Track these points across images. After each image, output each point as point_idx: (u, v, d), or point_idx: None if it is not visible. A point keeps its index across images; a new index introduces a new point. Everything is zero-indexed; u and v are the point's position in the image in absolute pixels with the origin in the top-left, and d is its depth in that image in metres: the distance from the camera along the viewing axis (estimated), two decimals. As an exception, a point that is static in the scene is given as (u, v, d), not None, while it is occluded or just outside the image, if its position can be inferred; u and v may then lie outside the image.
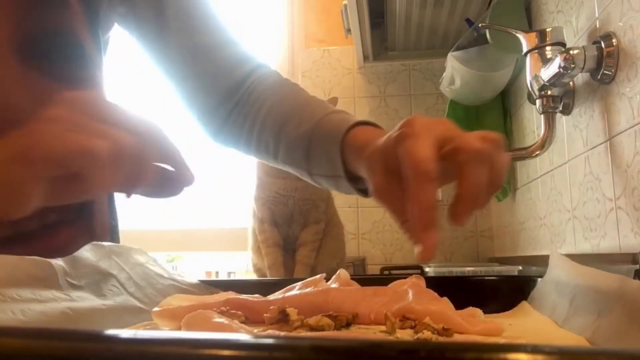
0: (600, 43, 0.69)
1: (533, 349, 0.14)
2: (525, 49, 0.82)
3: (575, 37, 0.81)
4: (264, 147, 0.63)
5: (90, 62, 0.50)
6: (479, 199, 0.38)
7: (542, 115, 0.83)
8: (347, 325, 0.38)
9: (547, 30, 0.80)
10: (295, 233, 1.09)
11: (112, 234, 0.60)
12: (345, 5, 1.31)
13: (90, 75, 0.50)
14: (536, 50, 0.80)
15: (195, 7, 0.63)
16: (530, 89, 0.83)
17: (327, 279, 0.53)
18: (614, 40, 0.67)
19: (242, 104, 0.65)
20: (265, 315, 0.36)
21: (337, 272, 0.53)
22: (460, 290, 0.55)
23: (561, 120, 0.87)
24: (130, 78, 1.89)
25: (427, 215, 0.36)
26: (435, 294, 0.47)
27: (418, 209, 0.37)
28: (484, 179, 0.38)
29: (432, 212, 0.37)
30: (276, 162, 0.63)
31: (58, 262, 0.45)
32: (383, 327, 0.39)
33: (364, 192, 0.55)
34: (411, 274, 0.54)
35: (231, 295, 0.51)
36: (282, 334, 0.30)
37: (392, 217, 0.42)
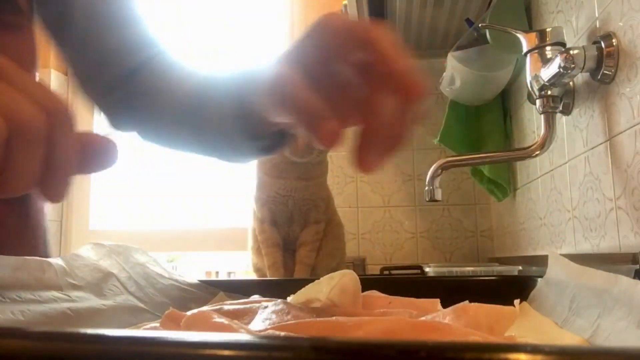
0: (600, 43, 0.69)
1: (533, 349, 0.14)
2: (525, 49, 0.82)
3: (575, 37, 0.81)
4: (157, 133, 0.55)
5: (19, 10, 0.47)
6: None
7: (542, 115, 0.83)
8: None
9: (547, 30, 0.80)
10: (295, 233, 1.09)
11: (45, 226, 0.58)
12: (345, 5, 1.31)
13: (17, 24, 0.47)
14: (536, 50, 0.80)
15: None
16: (530, 89, 0.83)
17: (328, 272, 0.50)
18: (614, 40, 0.67)
19: (133, 95, 0.56)
20: None
21: (341, 283, 0.44)
22: (460, 290, 0.55)
23: (561, 120, 0.87)
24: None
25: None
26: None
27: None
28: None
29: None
30: (172, 147, 0.55)
31: (58, 262, 0.45)
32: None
33: (267, 150, 0.47)
34: (411, 274, 0.54)
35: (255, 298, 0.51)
36: (282, 334, 0.30)
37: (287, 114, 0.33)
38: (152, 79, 0.55)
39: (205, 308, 0.44)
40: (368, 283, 0.51)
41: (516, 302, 0.37)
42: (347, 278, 0.44)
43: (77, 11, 0.55)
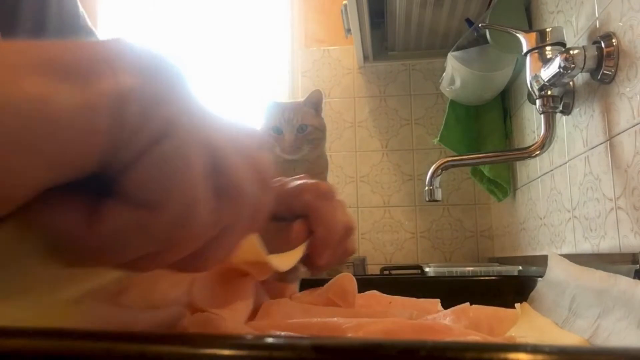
0: (600, 43, 0.69)
1: (533, 349, 0.14)
2: (525, 49, 0.82)
3: (575, 37, 0.81)
4: None
5: None
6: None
7: (542, 115, 0.83)
8: None
9: (547, 30, 0.80)
10: (295, 233, 1.09)
11: None
12: (345, 5, 1.31)
13: None
14: (536, 50, 0.80)
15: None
16: (530, 89, 0.83)
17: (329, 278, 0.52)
18: (614, 40, 0.67)
19: None
20: None
21: (339, 283, 0.45)
22: (460, 290, 0.55)
23: (561, 120, 0.87)
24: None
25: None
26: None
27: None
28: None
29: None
30: None
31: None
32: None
33: None
34: (411, 274, 0.54)
35: None
36: (282, 334, 0.30)
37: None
38: None
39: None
40: (368, 283, 0.51)
41: (517, 305, 0.37)
42: (344, 279, 0.45)
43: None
